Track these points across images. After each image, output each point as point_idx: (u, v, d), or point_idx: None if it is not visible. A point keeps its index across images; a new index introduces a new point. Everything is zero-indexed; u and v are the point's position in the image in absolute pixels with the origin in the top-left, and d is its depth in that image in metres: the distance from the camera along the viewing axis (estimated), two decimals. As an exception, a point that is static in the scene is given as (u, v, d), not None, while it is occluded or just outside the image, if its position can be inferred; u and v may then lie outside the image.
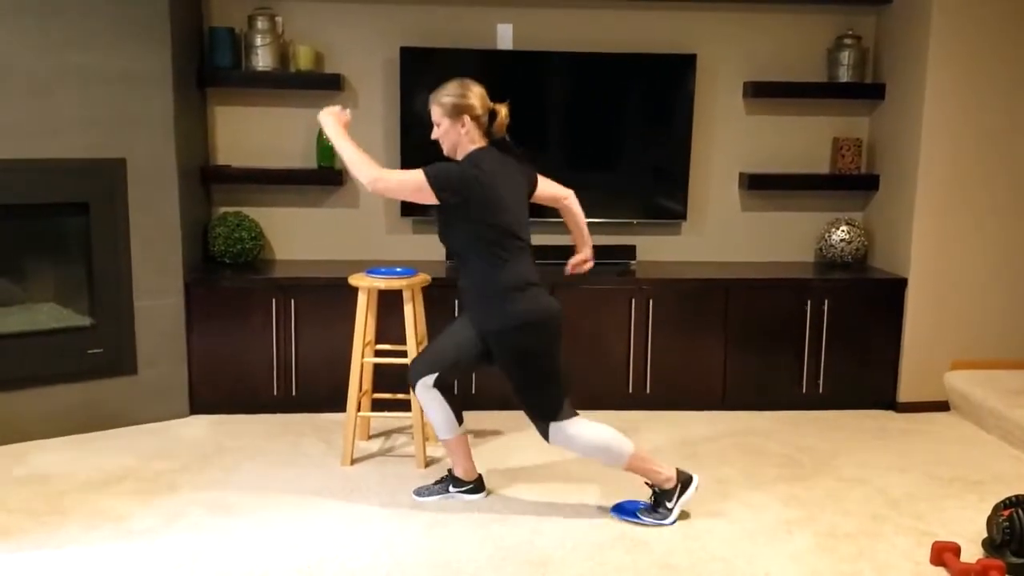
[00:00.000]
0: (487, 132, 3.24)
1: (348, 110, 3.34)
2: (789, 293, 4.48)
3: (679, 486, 3.34)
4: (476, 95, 3.19)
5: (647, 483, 3.38)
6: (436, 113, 3.22)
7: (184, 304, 4.25)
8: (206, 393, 4.34)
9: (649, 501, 3.36)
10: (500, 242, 3.16)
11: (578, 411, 3.30)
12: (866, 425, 4.40)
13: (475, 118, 3.19)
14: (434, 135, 3.25)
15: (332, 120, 3.25)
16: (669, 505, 3.32)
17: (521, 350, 3.20)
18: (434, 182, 3.10)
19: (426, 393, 3.35)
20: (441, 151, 3.28)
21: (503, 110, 3.25)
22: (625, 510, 3.38)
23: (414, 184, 3.11)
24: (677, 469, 3.37)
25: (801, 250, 4.95)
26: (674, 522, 3.32)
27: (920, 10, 4.40)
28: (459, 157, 3.24)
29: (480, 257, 3.17)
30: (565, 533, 3.26)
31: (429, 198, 3.12)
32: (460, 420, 3.44)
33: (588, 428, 3.26)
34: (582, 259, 3.57)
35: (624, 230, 4.84)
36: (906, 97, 4.53)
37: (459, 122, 3.18)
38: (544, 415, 3.25)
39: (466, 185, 3.11)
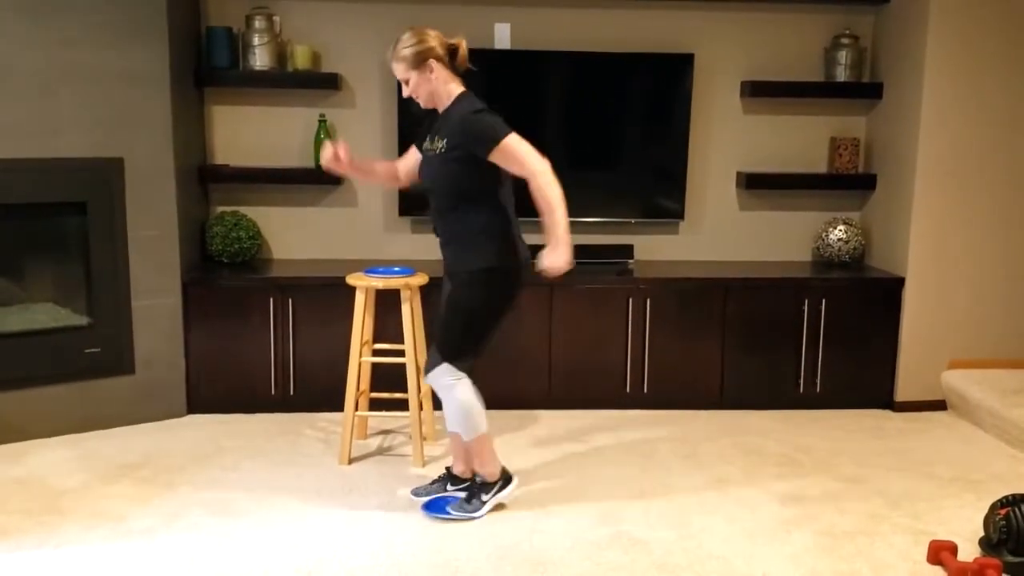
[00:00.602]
0: (452, 70, 3.22)
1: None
2: (787, 292, 4.49)
3: (500, 483, 3.39)
4: (433, 36, 3.16)
5: (457, 473, 3.45)
6: (400, 70, 3.17)
7: (182, 303, 4.25)
8: (204, 393, 4.34)
9: (464, 495, 3.40)
10: (503, 183, 3.19)
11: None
12: (864, 424, 4.41)
13: (439, 59, 3.16)
14: (406, 93, 3.21)
15: (561, 251, 3.07)
16: (484, 498, 3.37)
17: (487, 293, 3.21)
18: (509, 132, 3.08)
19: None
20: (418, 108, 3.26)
21: (462, 43, 3.21)
22: (433, 507, 3.40)
23: (522, 144, 3.07)
24: (503, 468, 3.43)
25: (798, 249, 4.96)
26: (481, 516, 3.35)
27: (918, 10, 4.40)
28: (440, 103, 3.21)
29: (486, 199, 3.16)
30: (563, 533, 3.27)
31: (521, 140, 3.10)
32: (438, 403, 3.46)
33: (467, 390, 3.30)
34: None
35: (622, 229, 4.84)
36: (903, 97, 4.53)
37: (426, 68, 3.15)
38: (449, 354, 3.26)
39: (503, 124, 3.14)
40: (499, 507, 3.44)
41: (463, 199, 3.19)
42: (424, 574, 2.98)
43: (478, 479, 3.41)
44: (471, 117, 3.13)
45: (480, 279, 3.21)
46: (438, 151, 3.19)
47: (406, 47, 3.14)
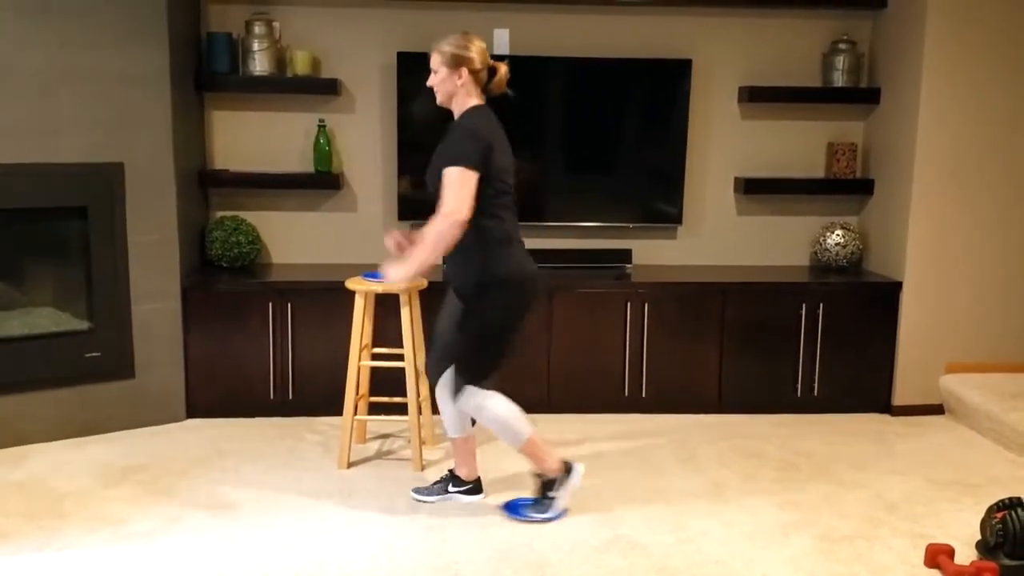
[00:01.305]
0: (484, 88, 3.26)
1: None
2: (785, 297, 4.50)
3: (563, 475, 3.38)
4: (477, 49, 3.21)
5: (536, 474, 3.42)
6: (435, 60, 3.23)
7: (181, 308, 4.25)
8: (203, 397, 4.35)
9: (534, 497, 3.41)
10: (498, 197, 3.20)
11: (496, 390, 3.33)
12: (862, 428, 4.42)
13: (473, 72, 3.20)
14: (430, 82, 3.26)
15: (401, 270, 3.19)
16: (551, 495, 3.37)
17: (494, 307, 3.22)
18: (469, 166, 3.09)
19: (444, 390, 3.38)
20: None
21: (503, 68, 3.27)
22: (513, 507, 3.42)
23: (465, 186, 3.09)
24: (563, 460, 3.41)
25: (796, 254, 4.97)
26: (558, 515, 3.35)
27: (915, 15, 4.42)
28: (454, 107, 3.26)
29: (479, 213, 3.17)
30: (563, 536, 3.27)
31: (475, 179, 3.11)
32: (473, 421, 3.46)
33: (500, 403, 3.30)
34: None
35: (620, 234, 4.85)
36: (901, 102, 4.55)
37: (456, 73, 3.20)
38: (470, 376, 3.27)
39: (484, 156, 3.14)
40: (497, 511, 3.44)
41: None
42: (424, 577, 2.99)
43: (543, 479, 3.40)
44: (460, 133, 3.18)
45: (480, 293, 3.23)
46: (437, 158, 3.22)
47: (449, 45, 3.20)
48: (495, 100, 3.31)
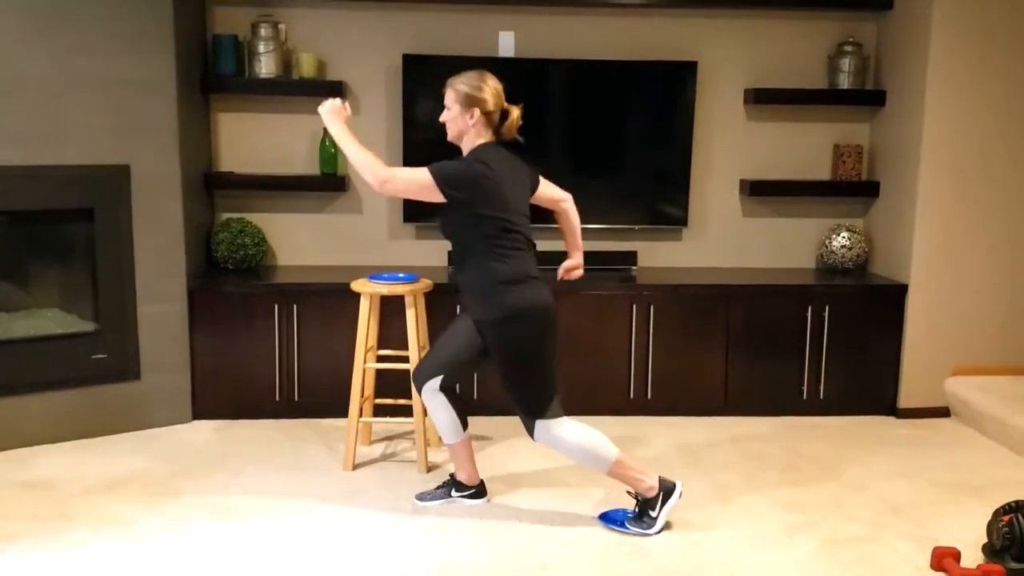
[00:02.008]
0: (496, 130, 3.26)
1: (347, 103, 3.34)
2: (790, 299, 4.50)
3: (661, 494, 3.32)
4: (491, 91, 3.20)
5: (629, 492, 3.37)
6: (449, 97, 3.23)
7: (187, 310, 4.26)
8: (209, 398, 4.36)
9: (635, 510, 3.35)
10: (502, 237, 3.18)
11: (566, 414, 3.31)
12: (867, 431, 4.41)
13: (485, 113, 3.20)
14: (442, 118, 3.27)
15: (335, 117, 3.24)
16: (653, 514, 3.31)
17: (514, 341, 3.21)
18: (441, 181, 3.11)
19: (432, 397, 3.37)
20: (445, 136, 3.30)
21: (515, 112, 3.26)
22: (612, 519, 3.38)
23: (421, 183, 3.13)
24: (660, 477, 3.35)
25: (802, 256, 4.97)
26: (659, 532, 3.30)
27: (921, 17, 4.42)
28: (463, 146, 3.26)
29: (481, 252, 3.18)
30: (567, 539, 3.27)
31: (436, 196, 3.14)
32: (465, 425, 3.46)
33: (575, 429, 3.27)
34: (574, 265, 3.57)
35: (625, 236, 4.85)
36: (907, 104, 4.54)
37: (468, 113, 3.20)
38: (532, 411, 3.25)
39: (472, 182, 3.12)
40: (500, 514, 3.45)
41: (468, 247, 3.22)
42: (428, 579, 2.99)
43: (640, 498, 3.34)
44: (458, 157, 3.21)
45: (500, 329, 3.22)
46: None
47: (464, 84, 3.20)
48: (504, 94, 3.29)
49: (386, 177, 3.13)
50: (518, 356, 3.23)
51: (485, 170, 3.14)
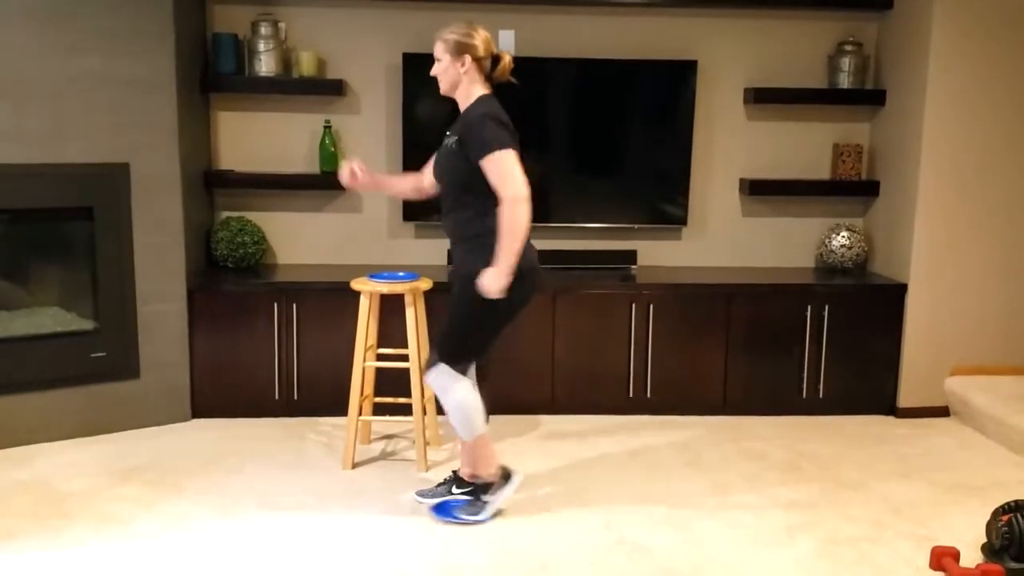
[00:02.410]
0: (488, 76, 3.25)
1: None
2: (790, 298, 4.50)
3: (500, 481, 3.38)
4: (480, 37, 3.21)
5: (460, 473, 3.45)
6: (438, 49, 3.22)
7: (187, 308, 4.26)
8: (209, 397, 4.36)
9: (466, 496, 3.41)
10: None
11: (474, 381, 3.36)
12: (867, 430, 4.42)
13: (476, 59, 3.19)
14: (433, 71, 3.25)
15: (497, 275, 3.10)
16: (485, 499, 3.36)
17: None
18: (509, 147, 3.09)
19: (467, 387, 3.37)
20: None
21: (507, 55, 3.26)
22: (442, 509, 3.41)
23: (514, 166, 3.09)
24: (501, 465, 3.41)
25: (801, 256, 4.97)
26: (488, 519, 3.34)
27: (921, 17, 4.42)
28: (458, 97, 3.25)
29: (494, 203, 3.14)
30: (567, 538, 3.27)
31: (516, 157, 3.12)
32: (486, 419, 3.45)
33: (467, 390, 3.30)
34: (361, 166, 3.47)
35: (625, 235, 4.85)
36: (907, 103, 4.54)
37: (459, 61, 3.19)
38: (445, 353, 3.27)
39: (513, 139, 3.13)
40: (503, 511, 3.45)
41: (469, 198, 3.20)
42: (428, 578, 2.99)
43: (479, 481, 3.42)
44: (479, 119, 3.14)
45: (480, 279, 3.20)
46: (450, 146, 3.22)
47: (452, 32, 3.21)
48: (502, 95, 3.29)
49: (516, 195, 3.07)
50: (480, 309, 3.19)
51: (505, 119, 3.15)
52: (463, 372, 3.31)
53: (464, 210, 3.22)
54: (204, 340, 4.31)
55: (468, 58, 3.18)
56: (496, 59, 3.24)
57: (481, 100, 3.21)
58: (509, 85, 3.30)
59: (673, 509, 3.50)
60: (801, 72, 4.80)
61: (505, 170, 3.08)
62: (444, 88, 3.26)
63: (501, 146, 3.08)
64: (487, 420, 3.46)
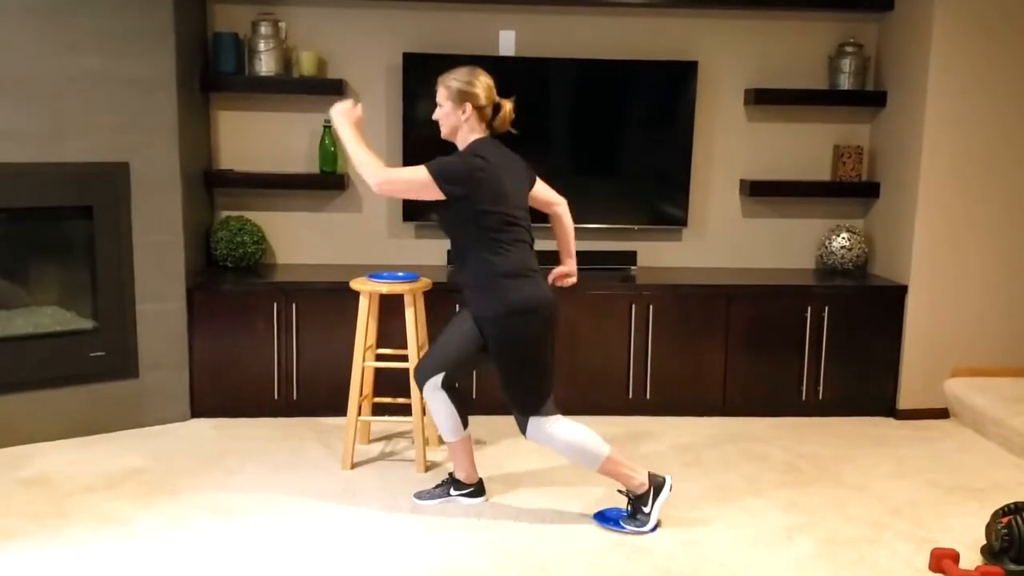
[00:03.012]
0: (489, 124, 3.26)
1: (360, 105, 3.34)
2: (790, 300, 4.50)
3: (652, 489, 3.33)
4: (482, 85, 3.21)
5: (620, 490, 3.38)
6: (441, 94, 3.24)
7: (186, 308, 4.26)
8: (207, 397, 4.35)
9: (628, 508, 3.36)
10: (502, 231, 3.18)
11: (561, 413, 3.31)
12: (866, 432, 4.41)
13: (477, 108, 3.21)
14: (435, 115, 3.27)
15: (346, 119, 3.25)
16: (646, 510, 3.32)
17: (514, 338, 3.21)
18: (439, 177, 3.12)
19: (433, 394, 3.37)
20: (439, 133, 3.30)
21: (508, 105, 3.27)
22: (606, 518, 3.38)
23: (420, 182, 3.13)
24: (650, 473, 3.36)
25: (802, 257, 4.97)
26: (654, 528, 3.31)
27: (921, 18, 4.42)
28: (457, 142, 3.27)
29: (481, 246, 3.18)
30: (565, 538, 3.27)
31: (435, 193, 3.14)
32: (465, 423, 3.45)
33: (567, 427, 3.28)
34: (566, 272, 3.56)
35: (625, 236, 4.85)
36: (907, 105, 4.54)
37: (460, 108, 3.20)
38: (526, 408, 3.26)
39: (470, 176, 3.12)
40: (499, 513, 3.44)
41: (468, 242, 3.22)
42: (427, 579, 2.99)
43: (631, 496, 3.35)
44: (455, 153, 3.21)
45: (498, 325, 3.21)
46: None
47: (455, 79, 3.21)
48: (503, 94, 3.29)
49: (384, 178, 3.14)
50: (517, 353, 3.23)
51: (483, 163, 3.14)
52: (551, 413, 3.28)
53: (465, 255, 3.24)
54: (203, 340, 4.31)
55: (469, 106, 3.20)
56: (497, 107, 3.25)
57: (473, 144, 3.22)
58: (508, 85, 3.30)
59: (672, 509, 3.49)
60: (801, 73, 4.80)
61: (410, 176, 3.15)
62: (444, 133, 3.28)
63: (434, 171, 3.12)
64: (466, 426, 3.46)
